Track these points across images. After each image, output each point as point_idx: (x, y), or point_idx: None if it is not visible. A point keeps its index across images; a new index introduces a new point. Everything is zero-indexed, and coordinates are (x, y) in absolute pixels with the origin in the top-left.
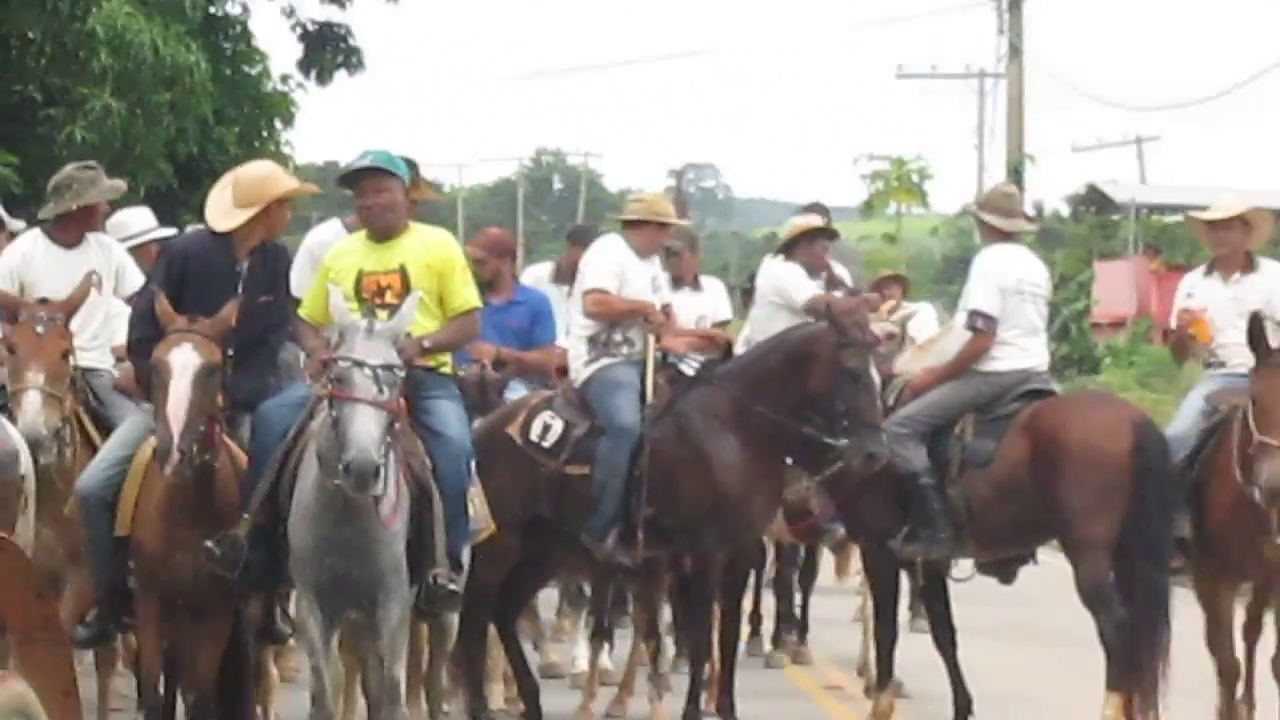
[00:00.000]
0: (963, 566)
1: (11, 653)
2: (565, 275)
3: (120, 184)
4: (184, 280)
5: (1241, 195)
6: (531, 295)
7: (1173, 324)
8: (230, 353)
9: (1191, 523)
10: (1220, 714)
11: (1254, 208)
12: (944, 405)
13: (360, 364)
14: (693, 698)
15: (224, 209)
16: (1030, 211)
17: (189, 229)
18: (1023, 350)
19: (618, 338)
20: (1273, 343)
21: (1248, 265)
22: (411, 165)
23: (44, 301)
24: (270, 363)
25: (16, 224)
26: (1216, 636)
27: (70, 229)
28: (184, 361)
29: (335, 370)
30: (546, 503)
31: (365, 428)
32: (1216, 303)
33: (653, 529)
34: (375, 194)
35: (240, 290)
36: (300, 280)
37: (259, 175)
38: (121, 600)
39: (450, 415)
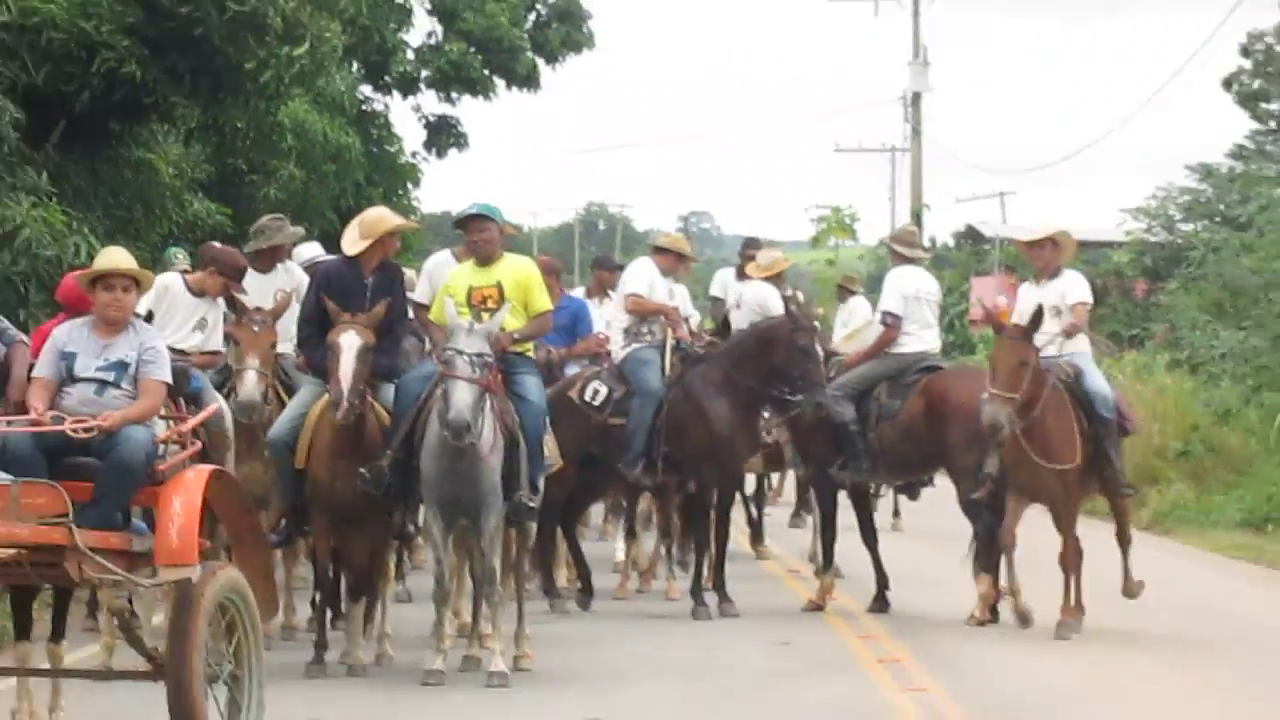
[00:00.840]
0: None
1: (228, 550)
2: (595, 292)
3: (300, 230)
4: (328, 292)
5: (1050, 224)
6: (573, 302)
7: (974, 317)
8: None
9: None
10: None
11: (1060, 230)
12: (866, 376)
13: (461, 352)
14: (696, 579)
15: (352, 240)
16: (926, 243)
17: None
18: (920, 339)
19: (644, 330)
20: (1050, 328)
21: (1055, 273)
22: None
23: (258, 309)
24: (396, 346)
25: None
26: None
27: (265, 261)
28: (350, 342)
29: (444, 356)
30: (595, 444)
31: (462, 397)
32: (1031, 300)
33: (668, 462)
34: (479, 232)
35: (369, 297)
36: (422, 291)
37: (374, 216)
38: (301, 514)
39: (531, 385)
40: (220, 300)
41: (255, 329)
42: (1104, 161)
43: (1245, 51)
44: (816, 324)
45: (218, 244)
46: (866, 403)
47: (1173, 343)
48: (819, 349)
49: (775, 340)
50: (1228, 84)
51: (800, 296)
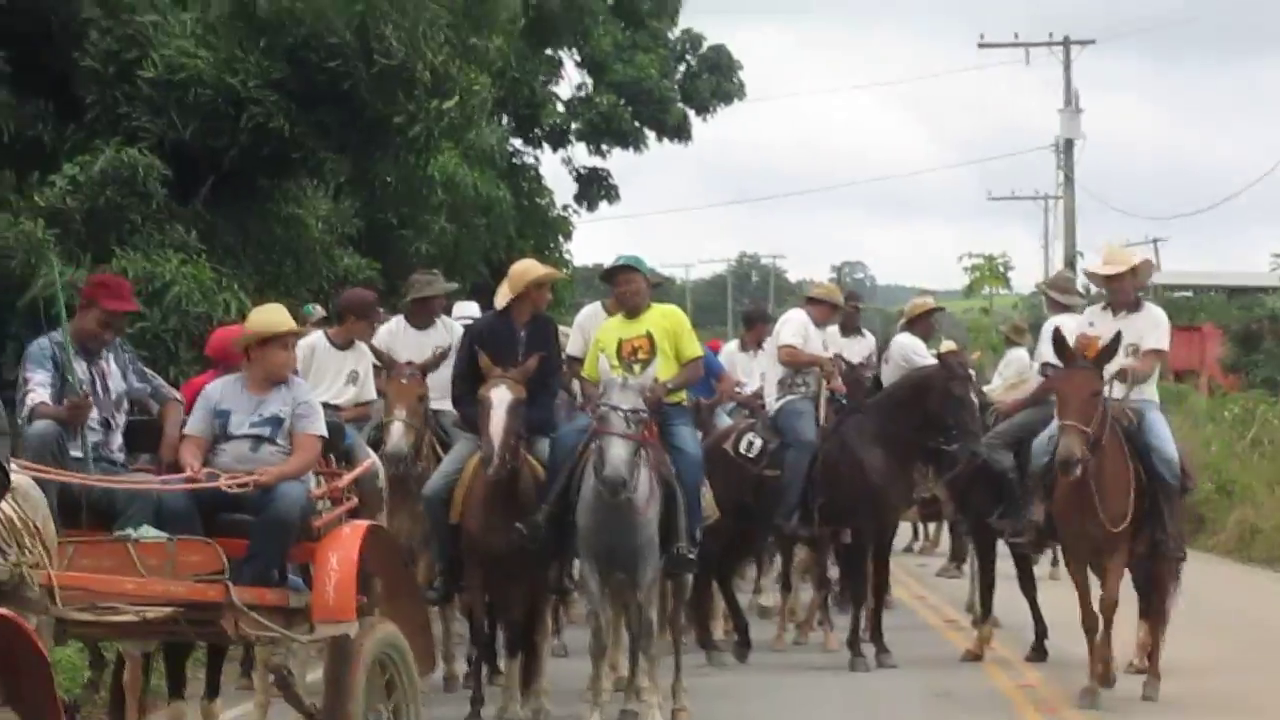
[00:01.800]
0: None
1: (382, 604)
2: (749, 344)
3: (453, 285)
4: (481, 345)
5: (1125, 249)
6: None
7: (1071, 342)
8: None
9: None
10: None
11: (1141, 260)
12: (1025, 425)
13: (615, 408)
14: (854, 629)
15: (502, 294)
16: (1081, 290)
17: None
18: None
19: (798, 381)
20: (1123, 363)
21: (1135, 305)
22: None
23: (409, 362)
24: (551, 400)
25: (389, 318)
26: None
27: (420, 316)
28: (500, 397)
29: (599, 412)
30: (751, 496)
31: (617, 453)
32: (1106, 333)
33: (824, 512)
34: (626, 284)
35: (522, 350)
36: (574, 344)
37: (520, 268)
38: (457, 569)
39: (687, 436)
40: (366, 349)
41: (403, 381)
42: (1258, 205)
43: None
44: (971, 372)
45: (348, 290)
46: (1025, 451)
47: None
48: (973, 397)
49: (930, 389)
50: None
51: (954, 345)
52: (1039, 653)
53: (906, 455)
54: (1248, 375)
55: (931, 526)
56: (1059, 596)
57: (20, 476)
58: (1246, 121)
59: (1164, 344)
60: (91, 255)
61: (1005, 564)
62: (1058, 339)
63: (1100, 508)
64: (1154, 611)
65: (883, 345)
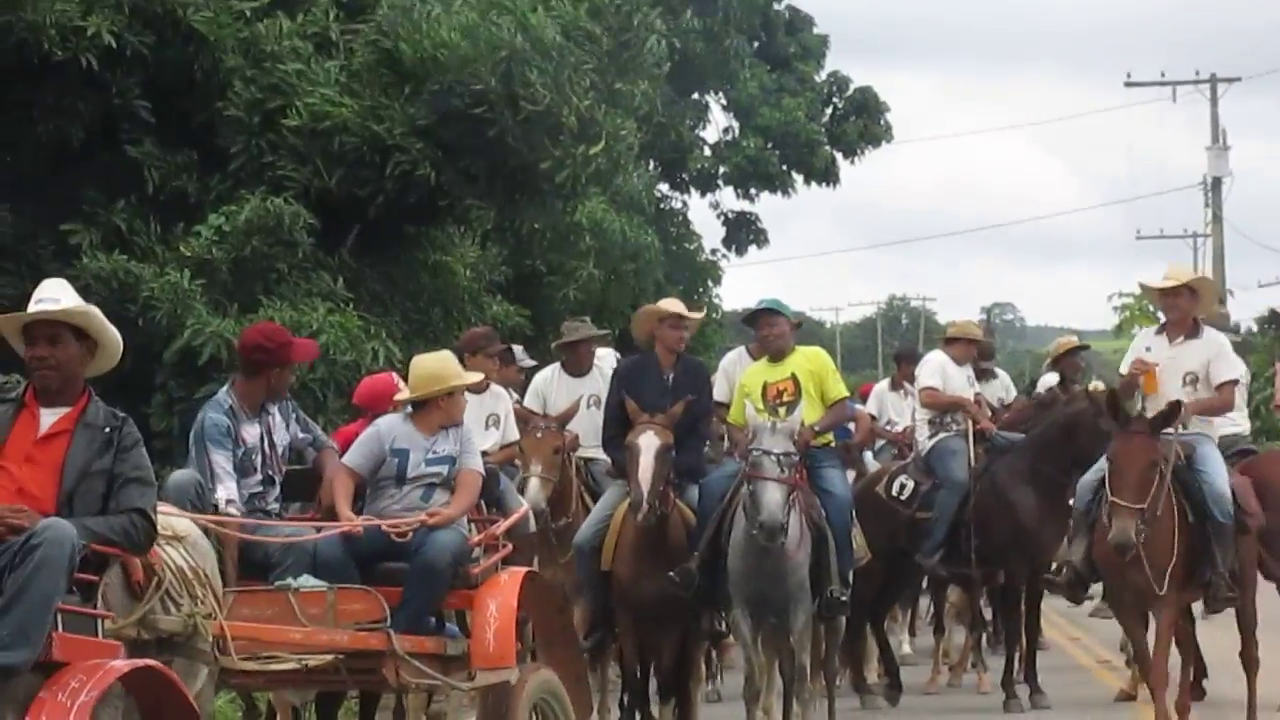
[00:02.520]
0: None
1: (540, 652)
2: (898, 384)
3: (602, 331)
4: (628, 390)
5: (1186, 266)
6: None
7: (1123, 370)
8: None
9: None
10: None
11: (1200, 277)
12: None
13: (767, 453)
14: (1007, 670)
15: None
16: (1234, 329)
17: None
18: (1234, 422)
19: (949, 420)
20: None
21: (1193, 331)
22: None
23: (545, 415)
24: (700, 445)
25: (527, 361)
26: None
27: (574, 364)
28: (648, 443)
29: (751, 458)
30: (904, 539)
31: (772, 498)
32: (1161, 361)
33: (978, 553)
34: (769, 327)
35: (670, 393)
36: (720, 390)
37: (644, 309)
38: (609, 616)
39: (836, 479)
40: (503, 391)
41: (539, 435)
42: None
43: None
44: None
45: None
46: None
47: None
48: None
49: (1079, 426)
50: None
51: (1101, 385)
52: (1197, 691)
53: (1058, 495)
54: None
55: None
56: (1215, 634)
57: (188, 525)
58: None
59: (1236, 374)
60: (239, 305)
61: None
62: (1111, 401)
63: (1146, 561)
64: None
65: (1030, 385)
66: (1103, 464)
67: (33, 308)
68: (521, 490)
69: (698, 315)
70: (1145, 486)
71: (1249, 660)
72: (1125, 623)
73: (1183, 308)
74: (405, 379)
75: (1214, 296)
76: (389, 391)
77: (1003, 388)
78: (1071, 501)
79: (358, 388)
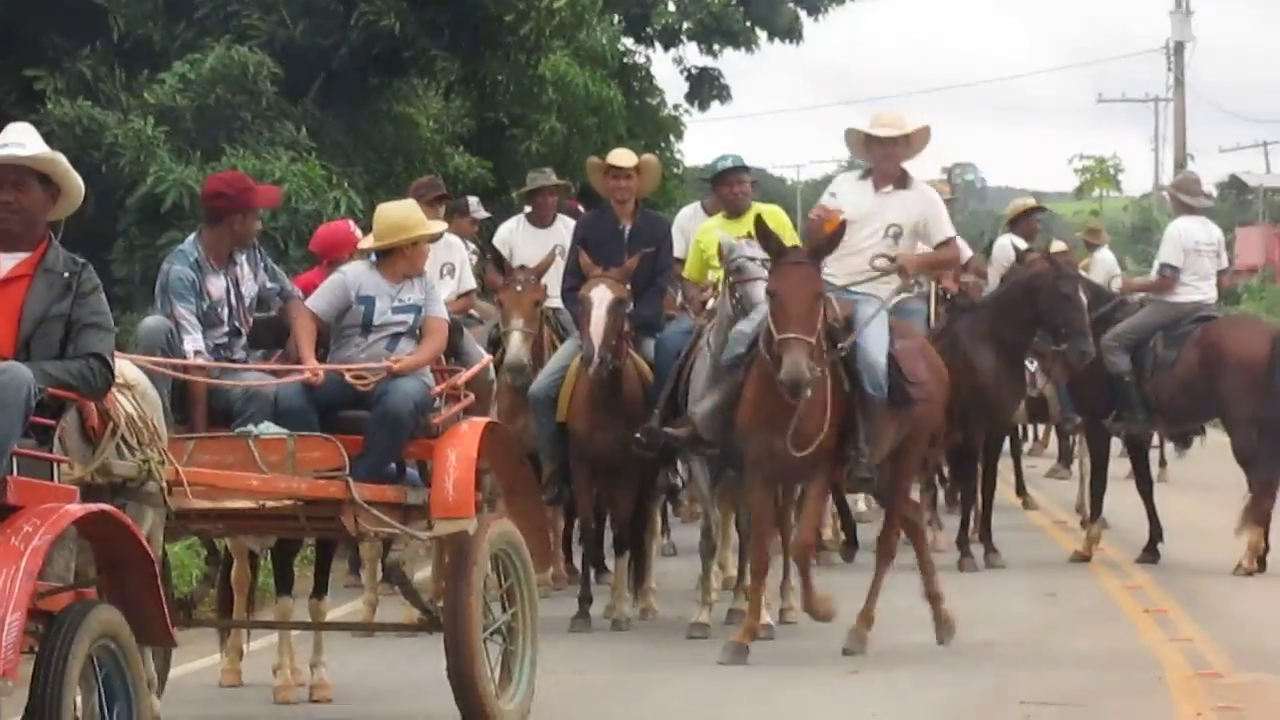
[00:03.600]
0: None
1: (500, 503)
2: None
3: (564, 182)
4: (584, 243)
5: (900, 114)
6: None
7: (812, 215)
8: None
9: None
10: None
11: (919, 128)
12: (1142, 326)
13: (752, 258)
14: (963, 530)
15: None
16: (1208, 192)
17: None
18: (1197, 289)
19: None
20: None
21: (902, 181)
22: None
23: (522, 267)
24: (659, 298)
25: (481, 212)
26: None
27: (539, 214)
28: (600, 296)
29: (735, 264)
30: None
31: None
32: (864, 208)
33: None
34: (737, 184)
35: (626, 246)
36: (675, 244)
37: (592, 164)
38: (565, 469)
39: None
40: (457, 240)
41: (518, 289)
42: None
43: None
44: (1080, 271)
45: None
46: (1142, 353)
47: None
48: (1082, 296)
49: (1039, 289)
50: None
51: (1063, 245)
52: (1151, 554)
53: (1017, 356)
54: None
55: (1039, 428)
56: (1167, 498)
57: (136, 373)
58: None
59: (953, 230)
60: (202, 153)
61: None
62: (761, 230)
63: (795, 428)
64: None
65: (989, 245)
66: (755, 315)
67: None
68: (505, 345)
69: (636, 161)
70: (812, 319)
71: (885, 548)
72: (755, 495)
73: (896, 158)
74: (366, 229)
75: (925, 145)
76: (347, 240)
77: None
78: (1031, 366)
79: (315, 235)
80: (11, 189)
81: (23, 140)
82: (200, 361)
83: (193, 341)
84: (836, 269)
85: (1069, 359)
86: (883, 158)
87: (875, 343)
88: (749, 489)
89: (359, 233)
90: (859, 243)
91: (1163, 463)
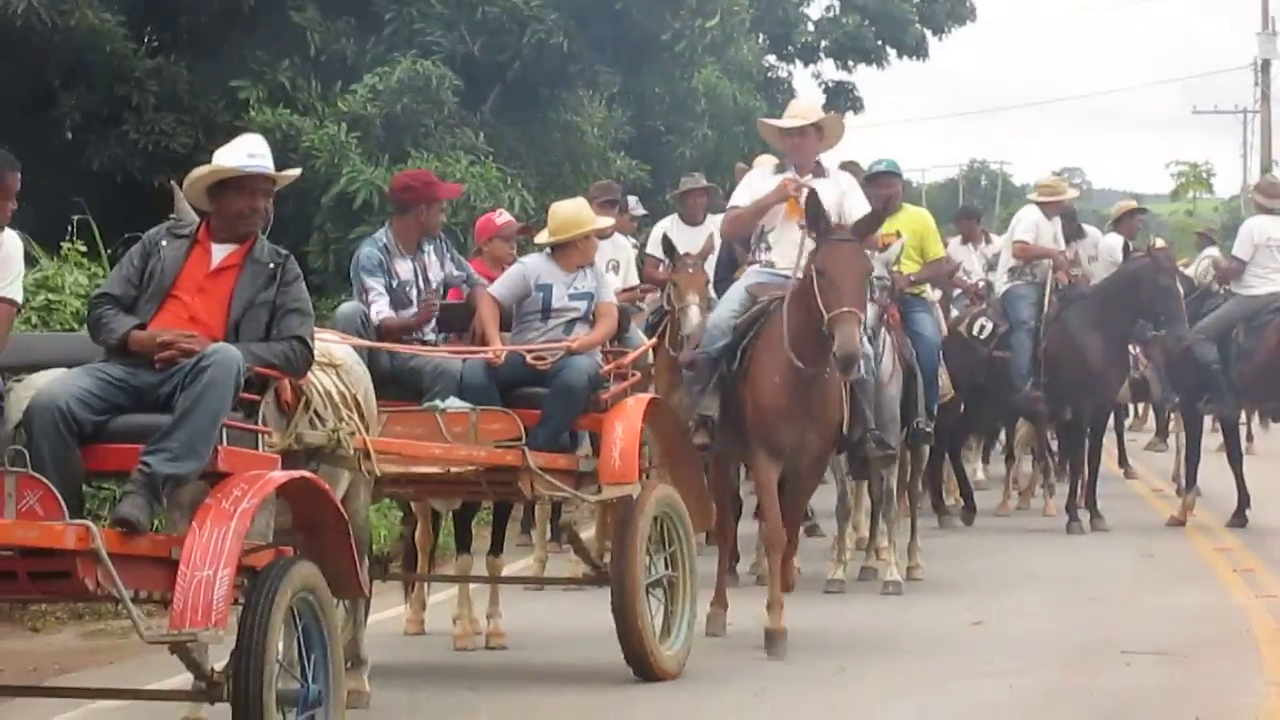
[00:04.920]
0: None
1: (662, 470)
2: (967, 237)
3: (711, 185)
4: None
5: (813, 104)
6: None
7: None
8: None
9: (727, 406)
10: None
11: (828, 116)
12: (1226, 318)
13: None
14: (1071, 496)
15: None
16: None
17: None
18: (1271, 281)
19: (1027, 271)
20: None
21: (819, 171)
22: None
23: (688, 254)
24: None
25: (639, 210)
26: (771, 514)
27: (691, 213)
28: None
29: None
30: (982, 375)
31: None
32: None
33: (1048, 390)
34: (888, 187)
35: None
36: None
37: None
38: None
39: (927, 323)
40: (624, 240)
41: (690, 271)
42: None
43: None
44: (1178, 265)
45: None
46: (1227, 344)
47: None
48: (1179, 287)
49: (1141, 280)
50: None
51: (1163, 243)
52: (1240, 519)
53: (1121, 342)
54: None
55: (1140, 406)
56: (1256, 469)
57: (346, 352)
58: None
59: (869, 206)
60: (389, 156)
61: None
62: (812, 208)
63: (822, 409)
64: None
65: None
66: (734, 307)
67: (245, 162)
68: (682, 319)
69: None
70: (862, 294)
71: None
72: (763, 480)
73: (808, 149)
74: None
75: (840, 134)
76: (486, 226)
77: (1092, 244)
78: (1134, 350)
79: (476, 226)
80: (263, 197)
81: (264, 153)
82: (391, 343)
83: (378, 309)
84: (776, 256)
85: (1168, 343)
86: (793, 149)
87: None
88: (761, 476)
89: (504, 216)
90: (790, 232)
91: (1250, 438)
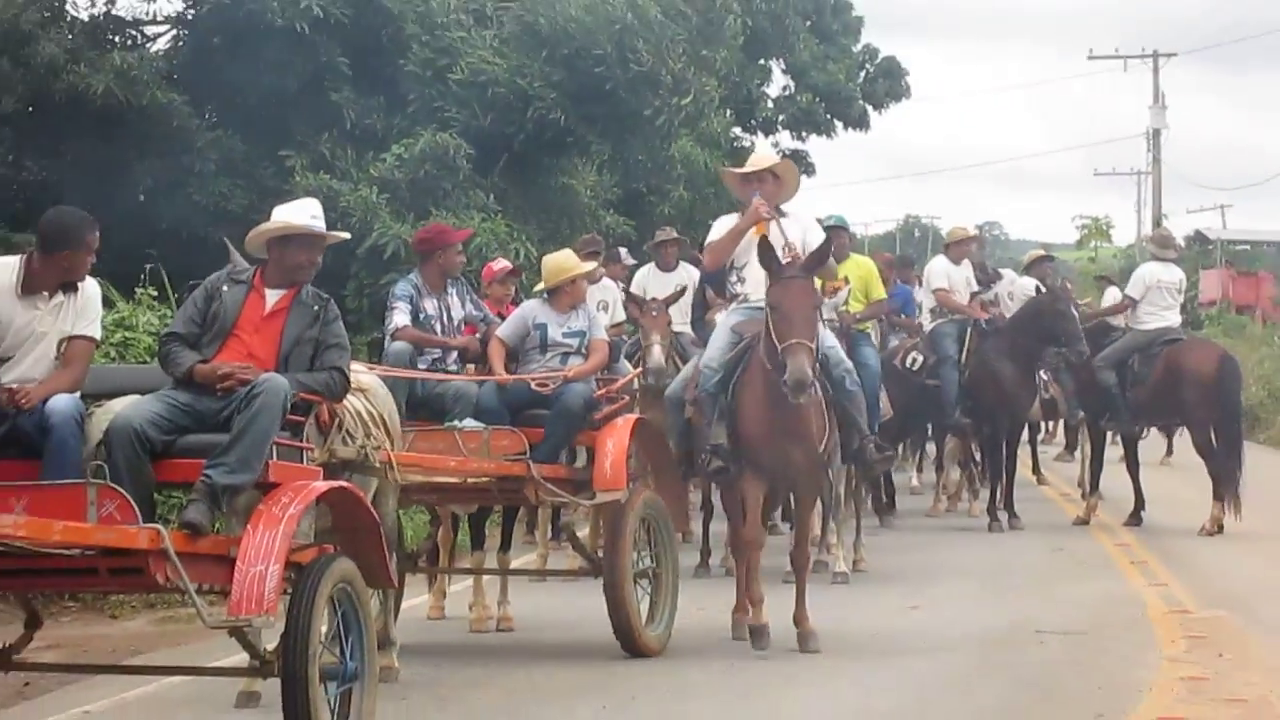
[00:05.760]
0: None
1: (649, 480)
2: (904, 281)
3: (684, 238)
4: (709, 282)
5: (770, 153)
6: (903, 290)
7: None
8: None
9: (728, 433)
10: (740, 584)
11: (782, 161)
12: (1124, 349)
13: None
14: (992, 500)
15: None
16: (1177, 247)
17: None
18: (1161, 318)
19: (947, 313)
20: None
21: (780, 212)
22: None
23: (654, 299)
24: None
25: (629, 260)
26: (750, 521)
27: (665, 260)
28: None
29: None
30: (914, 400)
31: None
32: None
33: (971, 411)
34: (838, 239)
35: None
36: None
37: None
38: (691, 455)
39: (870, 355)
40: (611, 283)
41: (654, 314)
42: None
43: None
44: (1071, 292)
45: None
46: (1124, 370)
47: None
48: (1074, 311)
49: (1042, 311)
50: None
51: (1068, 284)
52: (1136, 519)
53: (1030, 367)
54: None
55: (1050, 423)
56: (1157, 478)
57: (372, 379)
58: None
59: (821, 236)
60: (414, 214)
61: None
62: (763, 249)
63: (800, 434)
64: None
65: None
66: (722, 345)
67: (309, 223)
68: (646, 356)
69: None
70: (811, 326)
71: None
72: (748, 493)
73: (767, 193)
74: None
75: (796, 181)
76: (490, 272)
77: (1009, 283)
78: (1045, 376)
79: (483, 272)
80: (318, 252)
81: (322, 215)
82: (405, 337)
83: (397, 320)
84: (750, 289)
85: (1070, 358)
86: (753, 194)
87: (838, 351)
88: (747, 490)
89: (496, 265)
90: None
91: (1169, 451)
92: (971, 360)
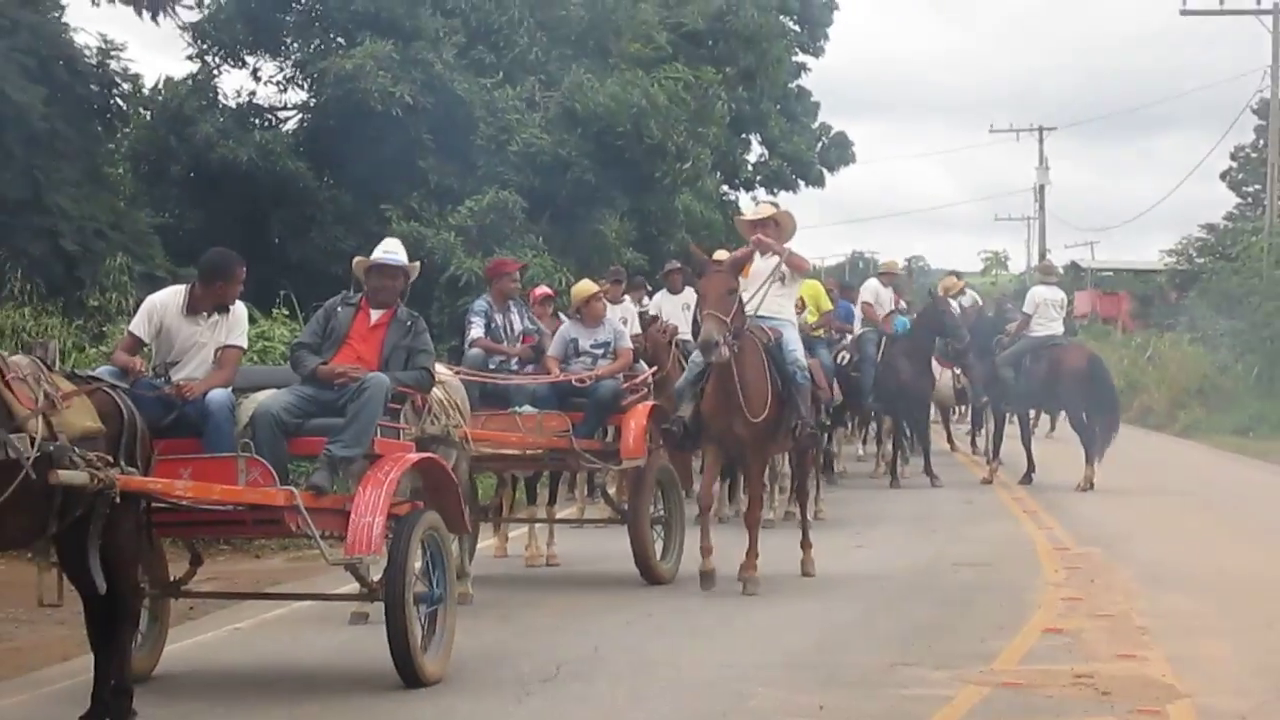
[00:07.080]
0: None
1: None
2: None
3: (684, 267)
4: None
5: (769, 205)
6: (845, 305)
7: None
8: None
9: (693, 412)
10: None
11: (783, 211)
12: (1019, 351)
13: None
14: (892, 465)
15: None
16: (1058, 273)
17: None
18: (1047, 328)
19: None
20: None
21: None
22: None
23: (656, 317)
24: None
25: (648, 286)
26: (705, 485)
27: (673, 284)
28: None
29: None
30: (845, 388)
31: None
32: (757, 265)
33: (881, 399)
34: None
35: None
36: None
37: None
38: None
39: (825, 355)
40: (631, 306)
41: (659, 335)
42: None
43: (1233, 157)
44: (953, 303)
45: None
46: (1019, 366)
47: (1191, 327)
48: (955, 309)
49: (929, 313)
50: (1223, 176)
51: (977, 297)
52: (1027, 479)
53: (926, 361)
54: (1146, 322)
55: (961, 406)
56: (1047, 449)
57: (447, 373)
58: (1150, 175)
59: (808, 265)
60: (481, 252)
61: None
62: (694, 253)
63: (747, 412)
64: (802, 492)
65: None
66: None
67: (385, 257)
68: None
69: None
70: (724, 304)
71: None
72: (708, 461)
73: (769, 234)
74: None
75: (792, 226)
76: (534, 296)
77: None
78: (934, 363)
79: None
80: (389, 279)
81: (397, 251)
82: (480, 348)
83: (475, 332)
84: (757, 304)
85: (954, 345)
86: (758, 233)
87: (797, 348)
88: (706, 458)
89: (538, 290)
90: (751, 284)
91: (1053, 427)
92: (882, 359)
